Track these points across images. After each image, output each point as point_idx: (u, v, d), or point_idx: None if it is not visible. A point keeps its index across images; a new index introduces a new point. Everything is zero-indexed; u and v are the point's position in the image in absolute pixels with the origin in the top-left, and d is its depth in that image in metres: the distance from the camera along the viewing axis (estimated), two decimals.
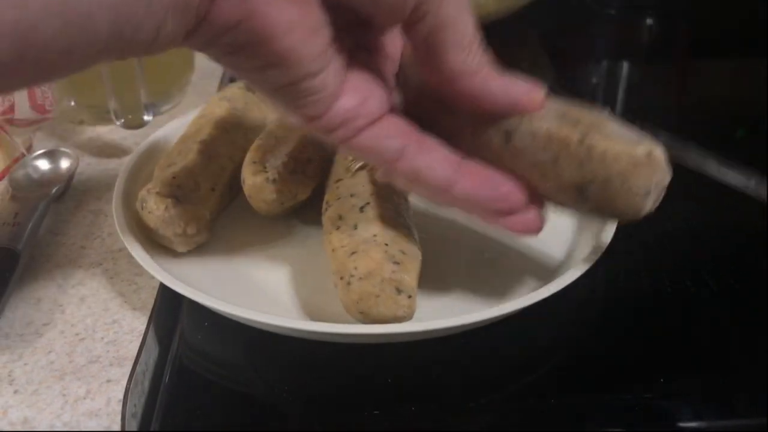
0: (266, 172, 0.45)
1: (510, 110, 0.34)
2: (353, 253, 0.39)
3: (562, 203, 0.35)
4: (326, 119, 0.32)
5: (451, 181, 0.35)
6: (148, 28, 0.27)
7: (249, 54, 0.29)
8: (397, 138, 0.34)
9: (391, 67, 0.37)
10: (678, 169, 0.57)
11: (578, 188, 0.33)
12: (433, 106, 0.36)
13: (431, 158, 0.34)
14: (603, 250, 0.42)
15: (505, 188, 0.35)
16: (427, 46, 0.32)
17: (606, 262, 0.41)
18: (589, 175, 0.32)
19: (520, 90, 0.34)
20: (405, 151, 0.34)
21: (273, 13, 0.28)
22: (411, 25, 0.31)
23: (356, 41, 0.34)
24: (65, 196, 0.54)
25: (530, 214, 0.35)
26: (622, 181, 0.32)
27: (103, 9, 0.25)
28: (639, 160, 0.31)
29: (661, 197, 0.32)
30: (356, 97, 0.33)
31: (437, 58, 0.32)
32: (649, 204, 0.32)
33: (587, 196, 0.33)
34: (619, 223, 0.35)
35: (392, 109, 0.35)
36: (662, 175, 0.32)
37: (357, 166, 0.45)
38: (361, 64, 0.34)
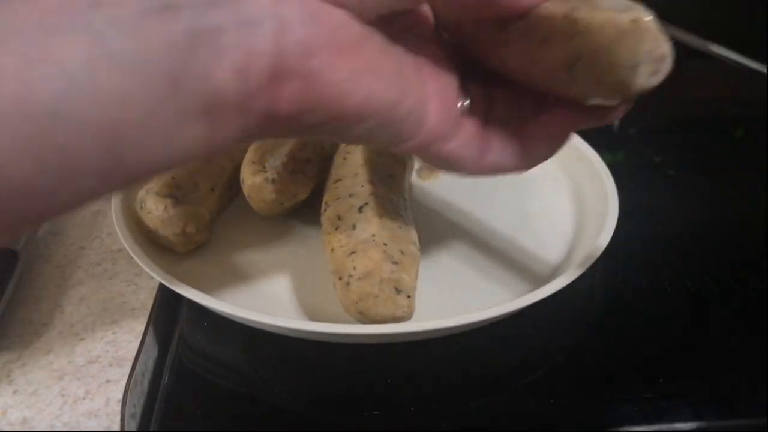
0: (266, 172, 0.45)
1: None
2: (352, 253, 0.39)
3: (557, 89, 0.34)
4: (424, 134, 0.30)
5: (522, 159, 0.33)
6: (168, 145, 0.22)
7: (338, 121, 0.27)
8: (474, 145, 0.32)
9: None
10: (679, 170, 0.58)
11: (568, 67, 0.31)
12: (468, 28, 0.34)
13: (501, 151, 0.33)
14: (602, 249, 0.42)
15: (575, 124, 0.33)
16: None
17: (605, 262, 0.41)
18: (576, 51, 0.30)
19: None
20: (481, 156, 0.32)
21: (337, 80, 0.25)
22: None
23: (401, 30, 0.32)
24: None
25: None
26: (607, 53, 0.29)
27: (87, 136, 0.20)
28: (624, 28, 0.29)
29: (661, 71, 0.29)
30: (444, 105, 0.31)
31: None
32: (642, 78, 0.29)
33: (576, 75, 0.31)
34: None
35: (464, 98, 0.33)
36: (653, 44, 0.29)
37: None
38: (428, 65, 0.32)
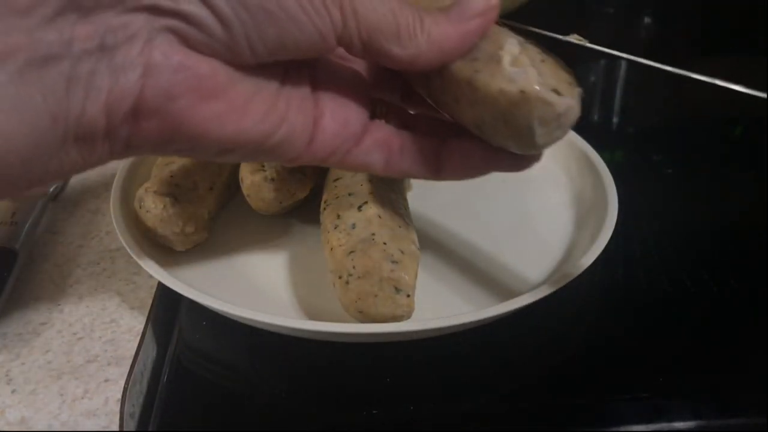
0: (264, 170, 0.45)
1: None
2: (351, 252, 0.39)
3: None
4: (312, 154, 0.33)
5: (436, 172, 0.35)
6: (50, 166, 0.26)
7: (200, 152, 0.30)
8: (381, 150, 0.35)
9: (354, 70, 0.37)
10: (677, 169, 0.58)
11: (477, 126, 0.33)
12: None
13: (413, 160, 0.35)
14: (602, 249, 0.42)
15: (491, 168, 0.35)
16: (373, 56, 0.31)
17: (605, 262, 0.41)
18: (479, 115, 0.32)
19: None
20: (389, 160, 0.35)
21: (199, 120, 0.28)
22: (348, 49, 0.30)
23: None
24: (63, 195, 0.54)
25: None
26: (505, 120, 0.31)
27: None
28: (514, 99, 0.30)
29: (564, 125, 0.30)
30: (338, 123, 0.33)
31: (387, 59, 0.31)
32: (542, 137, 0.30)
33: (485, 133, 0.33)
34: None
35: (369, 122, 0.35)
36: (543, 110, 0.29)
37: None
38: (327, 82, 0.34)
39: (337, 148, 0.33)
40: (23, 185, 0.27)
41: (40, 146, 0.25)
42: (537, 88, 0.30)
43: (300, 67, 0.32)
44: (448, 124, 0.36)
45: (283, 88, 0.31)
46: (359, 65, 0.36)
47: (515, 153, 0.33)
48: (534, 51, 0.32)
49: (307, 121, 0.32)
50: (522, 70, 0.30)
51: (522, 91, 0.30)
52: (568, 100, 0.30)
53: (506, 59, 0.31)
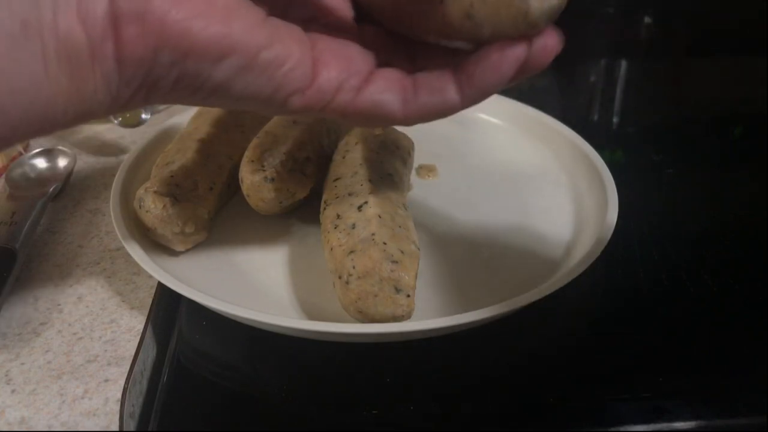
0: (264, 170, 0.45)
1: None
2: (351, 252, 0.39)
3: (473, 41, 0.34)
4: (318, 89, 0.31)
5: (460, 97, 0.33)
6: (39, 92, 0.25)
7: (192, 66, 0.28)
8: (396, 88, 0.33)
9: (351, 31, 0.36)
10: (677, 169, 0.58)
11: (467, 16, 0.31)
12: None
13: (431, 92, 0.33)
14: (602, 249, 0.42)
15: (511, 68, 0.33)
16: None
17: (605, 262, 0.41)
18: None
19: None
20: (406, 99, 0.33)
21: (180, 19, 0.27)
22: None
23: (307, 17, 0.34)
24: (63, 195, 0.54)
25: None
26: None
27: None
28: None
29: None
30: (340, 62, 0.32)
31: None
32: (534, 4, 0.29)
33: (476, 21, 0.31)
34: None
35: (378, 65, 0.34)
36: None
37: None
38: (327, 35, 0.33)
39: (345, 83, 0.32)
40: (21, 128, 0.26)
41: (18, 58, 0.24)
42: None
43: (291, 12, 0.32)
44: (452, 59, 0.34)
45: (270, 18, 0.30)
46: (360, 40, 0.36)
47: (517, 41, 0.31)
48: None
49: (304, 50, 0.31)
50: None
51: None
52: None
53: None
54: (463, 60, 0.33)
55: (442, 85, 0.33)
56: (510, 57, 0.32)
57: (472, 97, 0.33)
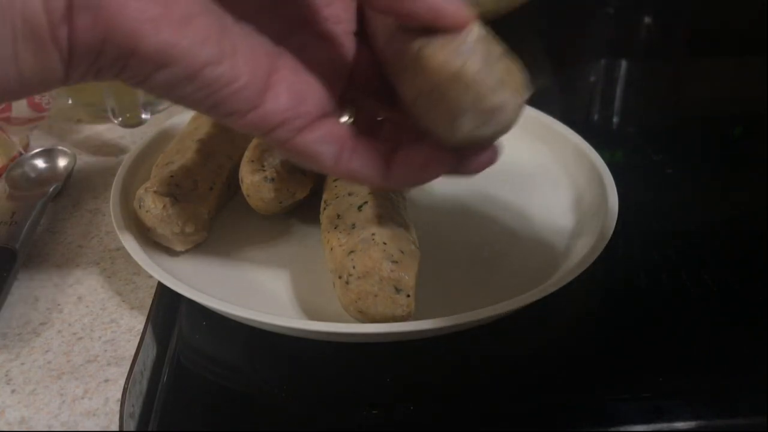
0: (264, 170, 0.45)
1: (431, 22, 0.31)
2: (351, 252, 0.39)
3: (416, 121, 0.33)
4: (260, 116, 0.31)
5: (384, 177, 0.34)
6: (10, 73, 0.27)
7: (135, 66, 0.29)
8: (334, 144, 0.33)
9: (336, 49, 0.36)
10: (677, 169, 0.58)
11: (413, 101, 0.31)
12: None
13: (362, 162, 0.34)
14: (602, 249, 0.42)
15: (435, 171, 0.34)
16: None
17: (605, 262, 0.41)
18: (420, 86, 0.30)
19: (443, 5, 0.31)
20: (340, 157, 0.34)
21: (132, 17, 0.27)
22: None
23: (291, 25, 0.34)
24: (63, 195, 0.54)
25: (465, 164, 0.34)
26: (439, 95, 0.29)
27: None
28: (452, 74, 0.28)
29: (494, 123, 0.29)
30: (291, 99, 0.32)
31: None
32: (467, 126, 0.29)
33: (419, 109, 0.31)
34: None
35: (331, 113, 0.34)
36: (475, 96, 0.28)
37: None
38: (299, 58, 0.33)
39: (287, 122, 0.32)
40: None
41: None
42: (478, 70, 0.28)
43: (276, 24, 0.32)
44: (409, 131, 0.35)
45: (232, 30, 0.30)
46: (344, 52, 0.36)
47: (460, 155, 0.32)
48: (498, 48, 0.30)
49: (257, 74, 0.31)
50: (474, 49, 0.29)
51: (462, 67, 0.28)
52: (507, 98, 0.28)
53: (464, 36, 0.29)
54: (406, 144, 0.34)
55: (372, 161, 0.34)
56: (433, 163, 0.33)
57: (393, 183, 0.35)
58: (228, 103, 0.31)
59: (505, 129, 0.30)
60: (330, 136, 0.33)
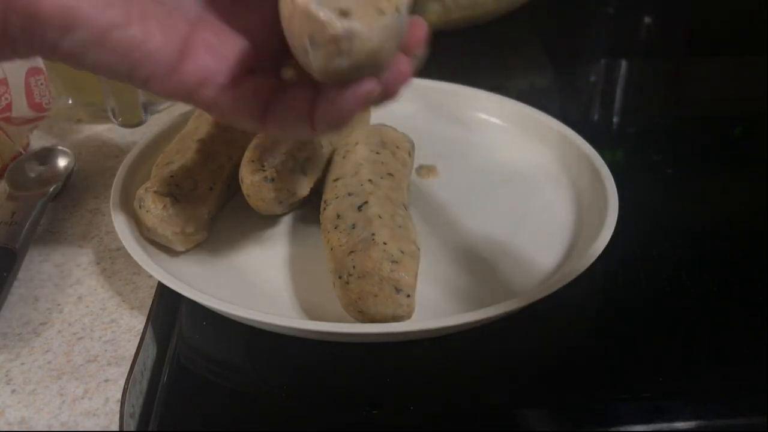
0: (264, 170, 0.45)
1: None
2: (351, 252, 0.39)
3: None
4: (180, 79, 0.31)
5: (312, 129, 0.33)
6: None
7: (41, 33, 0.29)
8: (262, 96, 0.33)
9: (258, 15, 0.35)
10: (677, 169, 0.58)
11: (292, 49, 0.30)
12: None
13: (295, 114, 0.33)
14: (602, 249, 0.42)
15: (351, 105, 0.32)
16: None
17: (604, 262, 0.41)
18: (284, 32, 0.30)
19: None
20: (270, 107, 0.33)
21: None
22: None
23: None
24: (63, 195, 0.54)
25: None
26: (290, 36, 0.29)
27: None
28: (289, 11, 0.28)
29: (346, 52, 0.27)
30: (212, 57, 0.32)
31: None
32: (318, 60, 0.28)
33: (295, 58, 0.31)
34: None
35: (260, 71, 0.34)
36: (313, 27, 0.27)
37: None
38: (228, 22, 0.33)
39: (208, 80, 0.32)
40: None
41: None
42: (310, 1, 0.27)
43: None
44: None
45: (165, 5, 0.30)
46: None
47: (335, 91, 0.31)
48: None
49: (171, 35, 0.31)
50: None
51: (295, 3, 0.28)
52: (352, 24, 0.27)
53: None
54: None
55: (298, 103, 0.33)
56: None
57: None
58: (143, 67, 0.30)
59: (368, 58, 0.28)
60: (256, 90, 0.33)
